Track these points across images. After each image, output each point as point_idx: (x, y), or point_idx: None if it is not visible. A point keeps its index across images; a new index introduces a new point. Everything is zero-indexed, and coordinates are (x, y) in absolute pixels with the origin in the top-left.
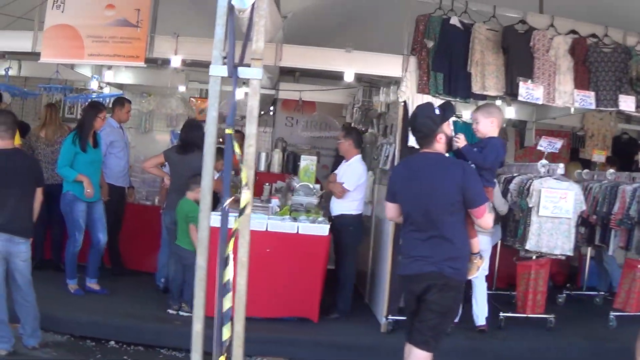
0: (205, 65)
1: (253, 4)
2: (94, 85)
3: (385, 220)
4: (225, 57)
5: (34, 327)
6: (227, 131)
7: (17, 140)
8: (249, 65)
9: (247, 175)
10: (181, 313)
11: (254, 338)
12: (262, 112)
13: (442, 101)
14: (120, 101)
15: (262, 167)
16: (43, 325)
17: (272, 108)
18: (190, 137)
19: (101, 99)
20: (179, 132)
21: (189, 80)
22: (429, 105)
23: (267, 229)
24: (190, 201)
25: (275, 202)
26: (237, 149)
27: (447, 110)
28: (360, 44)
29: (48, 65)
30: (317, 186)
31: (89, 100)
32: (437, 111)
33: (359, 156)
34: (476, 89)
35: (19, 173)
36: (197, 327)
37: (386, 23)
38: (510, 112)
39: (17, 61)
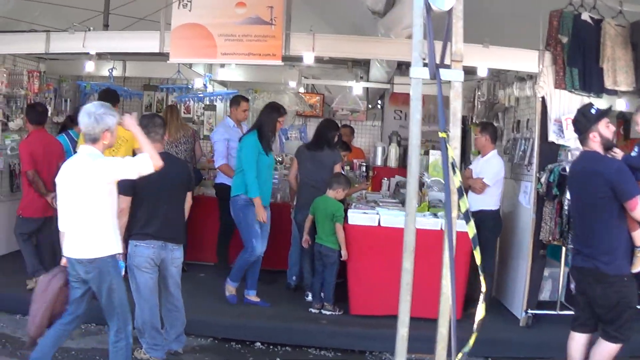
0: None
1: None
2: (198, 84)
3: (526, 214)
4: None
5: (179, 332)
6: (441, 135)
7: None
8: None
9: (458, 178)
10: (324, 312)
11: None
12: (370, 106)
13: (579, 96)
14: (236, 100)
15: (379, 162)
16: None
17: (379, 102)
18: (324, 135)
19: (214, 98)
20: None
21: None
22: (589, 104)
23: None
24: (333, 200)
25: None
26: (450, 152)
27: (604, 111)
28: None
29: (150, 66)
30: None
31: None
32: (592, 110)
33: (495, 151)
34: (608, 84)
35: (170, 178)
36: (403, 331)
37: (507, 18)
38: (621, 104)
39: (122, 61)
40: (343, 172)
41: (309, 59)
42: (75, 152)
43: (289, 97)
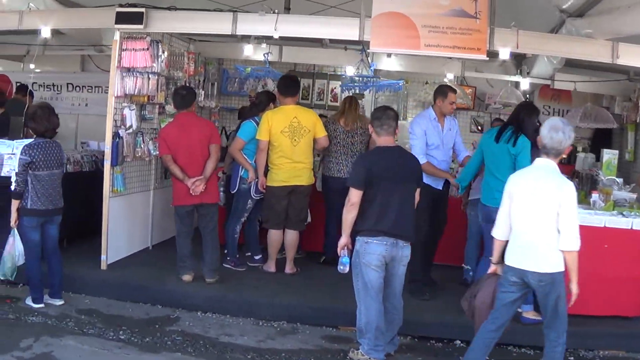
0: None
1: None
2: (349, 71)
3: None
4: None
5: (394, 333)
6: None
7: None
8: None
9: None
10: (519, 310)
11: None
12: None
13: None
14: (443, 90)
15: None
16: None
17: (527, 96)
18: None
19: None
20: None
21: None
22: None
23: (604, 225)
24: None
25: (595, 196)
26: None
27: None
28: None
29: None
30: (620, 180)
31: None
32: None
33: None
34: None
35: (404, 172)
36: None
37: None
38: None
39: (278, 46)
40: None
41: (505, 54)
42: None
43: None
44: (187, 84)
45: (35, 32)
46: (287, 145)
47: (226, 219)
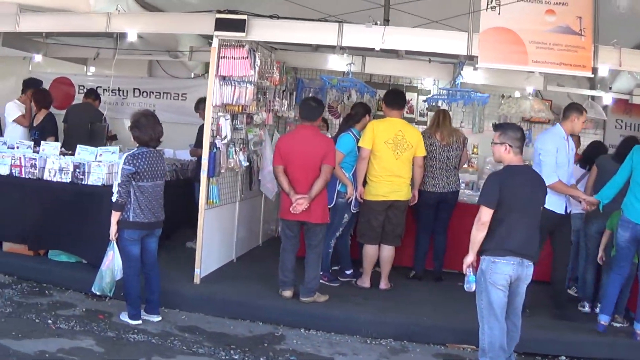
0: None
1: None
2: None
3: None
4: None
5: (511, 351)
6: None
7: None
8: None
9: None
10: (615, 324)
11: None
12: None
13: None
14: (577, 108)
15: None
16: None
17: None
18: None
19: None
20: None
21: None
22: None
23: None
24: None
25: None
26: None
27: None
28: None
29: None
30: None
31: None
32: None
33: None
34: None
35: (532, 192)
36: None
37: None
38: None
39: (361, 57)
40: None
41: (604, 71)
42: None
43: (529, 102)
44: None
45: (96, 36)
46: (389, 157)
47: None
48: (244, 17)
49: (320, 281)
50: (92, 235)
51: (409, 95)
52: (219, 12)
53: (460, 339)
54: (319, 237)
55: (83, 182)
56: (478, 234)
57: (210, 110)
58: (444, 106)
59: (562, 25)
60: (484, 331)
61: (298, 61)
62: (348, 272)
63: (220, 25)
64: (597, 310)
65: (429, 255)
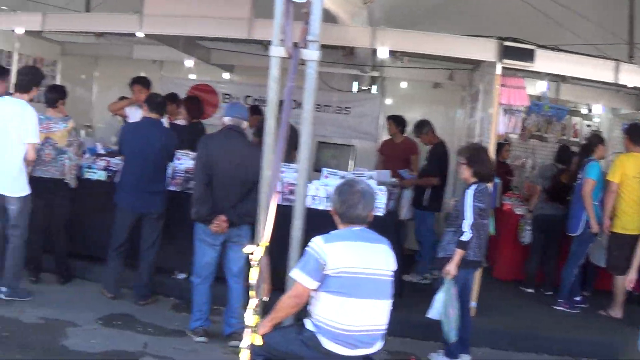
0: None
1: None
2: None
3: None
4: None
5: None
6: None
7: None
8: None
9: None
10: None
11: None
12: None
13: None
14: None
15: None
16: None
17: None
18: None
19: None
20: None
21: None
22: None
23: None
24: None
25: None
26: None
27: None
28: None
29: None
30: None
31: None
32: None
33: None
34: None
35: None
36: None
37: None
38: None
39: (556, 83)
40: None
41: None
42: None
43: None
44: None
45: None
46: (638, 190)
47: None
48: (533, 47)
49: (559, 308)
50: None
51: (573, 120)
52: (500, 38)
53: None
54: None
55: None
56: None
57: (494, 139)
58: None
59: None
60: None
61: None
62: (577, 299)
63: (507, 53)
64: None
65: None
